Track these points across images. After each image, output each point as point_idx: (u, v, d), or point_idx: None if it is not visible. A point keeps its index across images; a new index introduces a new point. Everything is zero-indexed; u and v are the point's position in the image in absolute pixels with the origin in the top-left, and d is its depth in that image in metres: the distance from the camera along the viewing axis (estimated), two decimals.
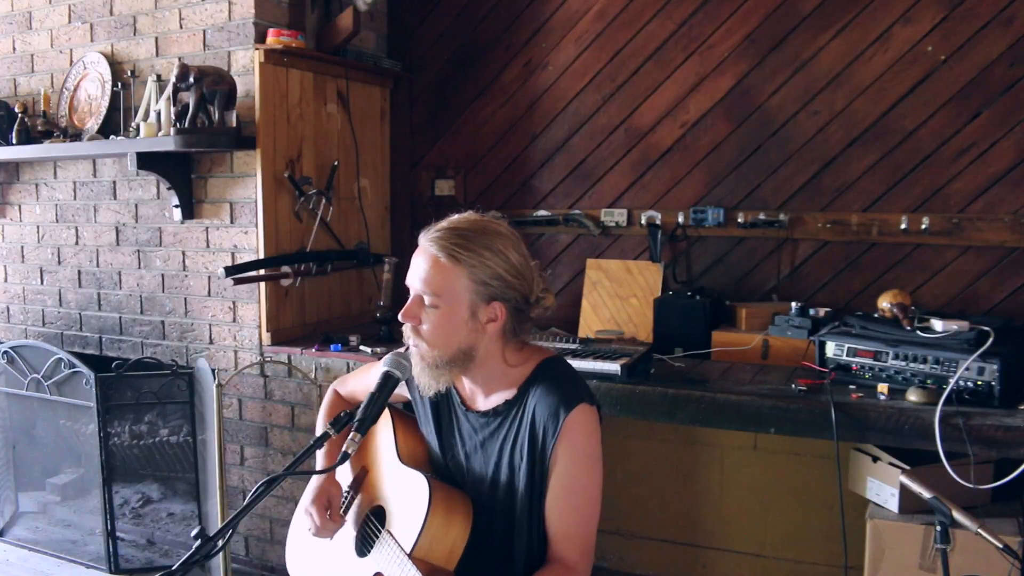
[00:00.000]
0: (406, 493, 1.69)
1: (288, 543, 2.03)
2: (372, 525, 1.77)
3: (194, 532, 1.38)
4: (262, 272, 3.01)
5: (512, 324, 1.64)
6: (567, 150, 3.34)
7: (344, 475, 1.91)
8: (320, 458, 1.90)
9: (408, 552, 1.58)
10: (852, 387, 2.27)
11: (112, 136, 3.23)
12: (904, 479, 1.73)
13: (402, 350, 1.69)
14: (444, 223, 1.64)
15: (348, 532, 1.83)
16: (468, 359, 1.64)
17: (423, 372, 1.65)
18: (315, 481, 1.83)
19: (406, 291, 1.65)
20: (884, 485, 2.37)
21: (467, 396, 1.75)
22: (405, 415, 1.89)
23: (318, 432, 2.01)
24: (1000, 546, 1.53)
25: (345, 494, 1.87)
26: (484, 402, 1.72)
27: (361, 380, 2.00)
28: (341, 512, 1.83)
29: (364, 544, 1.77)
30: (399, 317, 1.64)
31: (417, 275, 1.62)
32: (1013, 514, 2.24)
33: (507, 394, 1.69)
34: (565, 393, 1.63)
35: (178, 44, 3.16)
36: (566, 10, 3.29)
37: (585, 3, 3.25)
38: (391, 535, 1.67)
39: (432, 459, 1.83)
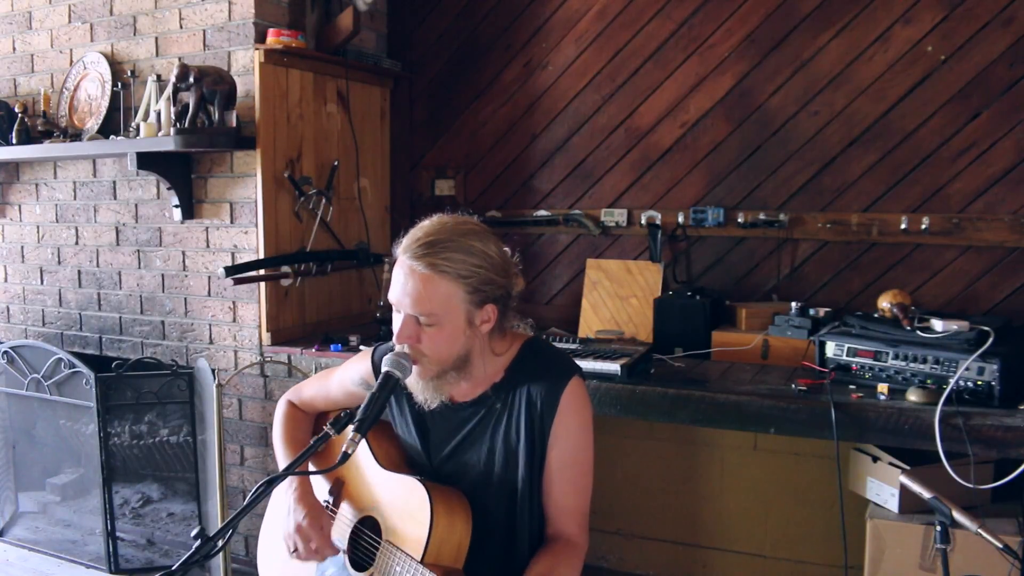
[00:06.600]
0: (401, 499, 1.67)
1: (260, 561, 1.95)
2: (366, 537, 1.74)
3: (194, 532, 1.38)
4: (262, 272, 3.01)
5: (501, 319, 1.66)
6: (567, 150, 3.33)
7: (319, 488, 1.85)
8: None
9: (420, 559, 1.56)
10: (852, 387, 2.27)
11: (112, 136, 3.23)
12: (904, 479, 1.72)
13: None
14: (419, 233, 1.60)
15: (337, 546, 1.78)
16: (465, 363, 1.65)
17: (425, 388, 1.64)
18: (302, 501, 1.76)
19: None
20: (884, 485, 2.37)
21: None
22: None
23: (278, 450, 1.93)
24: (1000, 546, 1.53)
25: (330, 511, 1.82)
26: (469, 391, 1.72)
27: (320, 386, 1.96)
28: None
29: (360, 557, 1.74)
30: (394, 340, 1.61)
31: (408, 296, 1.57)
32: (1013, 514, 2.24)
33: (493, 379, 1.70)
34: (557, 369, 1.67)
35: (178, 44, 3.16)
36: (566, 10, 3.29)
37: (585, 3, 3.25)
38: (393, 545, 1.64)
39: (411, 460, 1.80)
